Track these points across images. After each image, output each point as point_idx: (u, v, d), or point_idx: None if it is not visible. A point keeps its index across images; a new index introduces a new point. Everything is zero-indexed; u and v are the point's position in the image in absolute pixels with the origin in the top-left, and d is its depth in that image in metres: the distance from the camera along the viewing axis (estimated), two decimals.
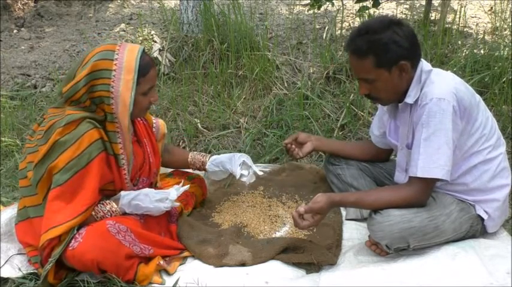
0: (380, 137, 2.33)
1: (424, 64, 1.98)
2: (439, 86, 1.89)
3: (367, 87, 1.99)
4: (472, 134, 1.94)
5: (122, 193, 1.99)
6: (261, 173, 2.32)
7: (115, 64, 1.88)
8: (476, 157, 1.97)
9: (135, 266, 1.92)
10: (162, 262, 1.98)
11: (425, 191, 1.91)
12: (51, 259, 1.81)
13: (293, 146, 2.42)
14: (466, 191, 2.00)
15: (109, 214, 1.95)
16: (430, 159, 1.85)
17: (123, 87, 1.88)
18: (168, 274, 1.97)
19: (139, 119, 2.20)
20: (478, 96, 2.01)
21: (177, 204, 2.07)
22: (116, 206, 1.97)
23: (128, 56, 1.89)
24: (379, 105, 2.28)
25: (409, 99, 1.97)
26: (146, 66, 1.93)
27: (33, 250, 1.97)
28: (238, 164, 2.27)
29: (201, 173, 2.62)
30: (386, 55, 1.89)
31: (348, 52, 1.98)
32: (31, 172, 1.94)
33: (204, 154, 2.40)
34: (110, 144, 1.95)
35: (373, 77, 1.94)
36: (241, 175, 2.27)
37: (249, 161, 2.30)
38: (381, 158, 2.41)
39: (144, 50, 1.94)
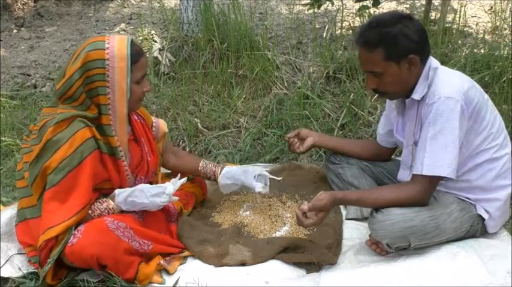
0: (385, 136, 2.33)
1: (433, 61, 1.98)
2: (448, 84, 1.89)
3: (375, 81, 1.98)
4: (480, 133, 1.94)
5: (117, 190, 1.99)
6: (279, 179, 2.33)
7: (107, 53, 1.88)
8: (483, 155, 1.97)
9: (136, 265, 1.91)
10: (162, 262, 1.98)
11: (428, 190, 1.90)
12: (50, 260, 1.82)
13: (295, 140, 2.43)
14: (469, 189, 1.99)
15: (106, 211, 1.95)
16: (436, 157, 1.85)
17: (118, 75, 1.89)
18: (168, 273, 1.97)
19: (136, 117, 2.20)
20: (486, 95, 2.00)
21: (175, 198, 2.05)
22: (112, 203, 1.97)
23: (118, 45, 1.90)
24: (387, 103, 2.28)
25: (416, 95, 1.96)
26: (137, 53, 1.95)
27: (33, 250, 1.97)
28: (254, 177, 2.27)
29: None
30: (396, 48, 1.89)
31: (358, 45, 1.97)
32: (27, 172, 1.94)
33: (215, 163, 2.39)
34: (106, 138, 1.95)
35: (382, 70, 1.93)
36: (257, 186, 2.27)
37: (265, 172, 2.31)
38: (383, 157, 2.41)
39: (132, 40, 1.96)
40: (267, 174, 2.31)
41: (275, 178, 2.31)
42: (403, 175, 2.14)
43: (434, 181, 1.90)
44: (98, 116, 1.93)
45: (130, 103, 1.96)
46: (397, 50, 1.90)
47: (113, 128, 1.95)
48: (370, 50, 1.92)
